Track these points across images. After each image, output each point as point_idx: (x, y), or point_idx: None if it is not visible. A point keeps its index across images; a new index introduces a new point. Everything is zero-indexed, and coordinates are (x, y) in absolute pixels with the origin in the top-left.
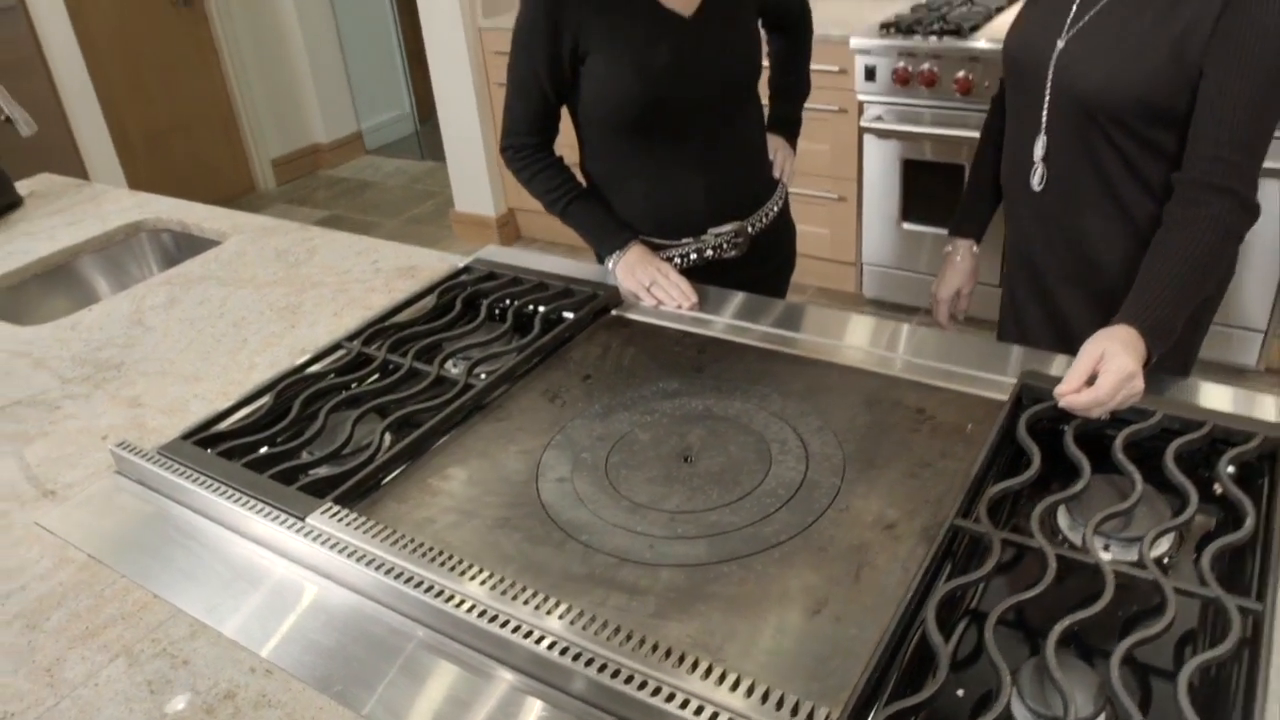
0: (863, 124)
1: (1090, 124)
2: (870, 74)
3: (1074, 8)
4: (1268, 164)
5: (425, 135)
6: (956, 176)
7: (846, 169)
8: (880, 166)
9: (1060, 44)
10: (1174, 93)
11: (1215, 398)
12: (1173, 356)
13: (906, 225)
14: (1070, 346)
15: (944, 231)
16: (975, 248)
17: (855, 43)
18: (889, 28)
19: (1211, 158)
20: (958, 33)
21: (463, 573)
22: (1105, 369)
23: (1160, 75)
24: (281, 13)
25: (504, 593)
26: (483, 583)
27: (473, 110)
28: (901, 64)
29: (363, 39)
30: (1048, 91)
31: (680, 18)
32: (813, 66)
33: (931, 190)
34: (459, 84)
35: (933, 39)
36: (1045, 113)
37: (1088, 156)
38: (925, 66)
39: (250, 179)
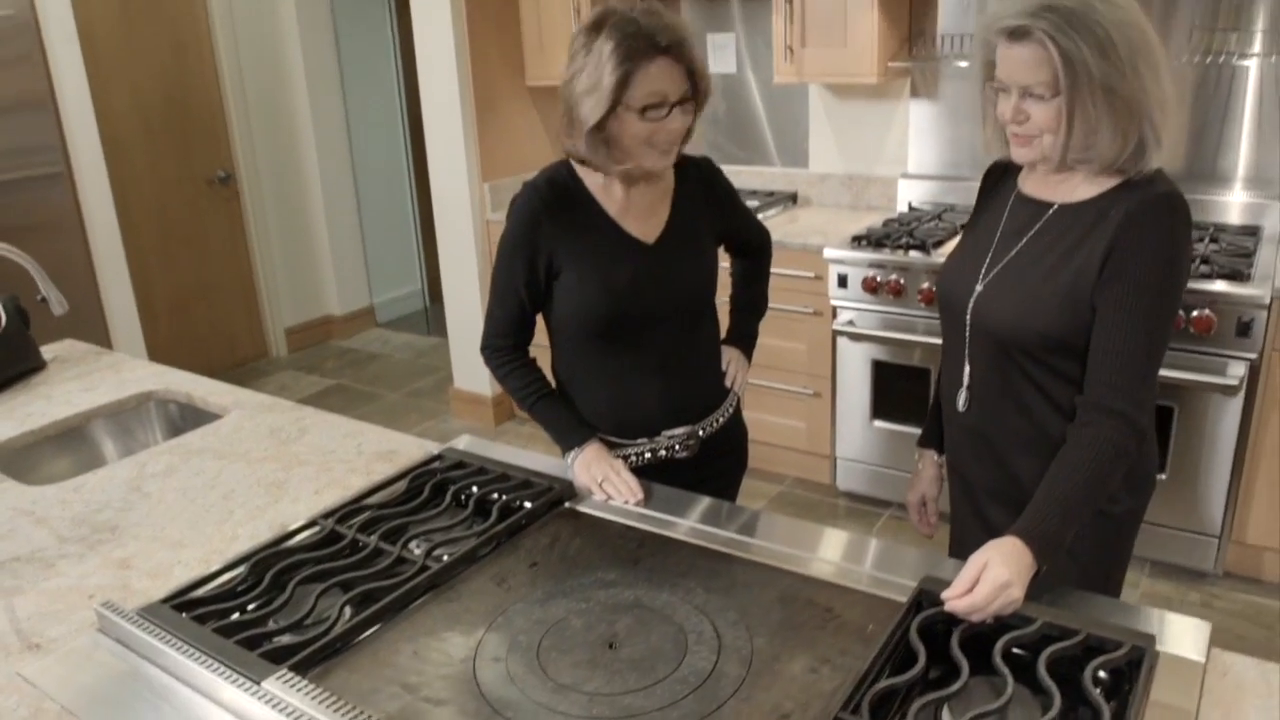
0: (835, 327)
1: (1004, 355)
2: (843, 281)
3: (989, 256)
4: (1214, 379)
5: (434, 312)
6: (921, 379)
7: (821, 367)
8: (852, 366)
9: (979, 287)
10: (1071, 330)
11: (1099, 609)
12: (1095, 568)
13: (877, 423)
14: None
15: (910, 429)
16: (937, 457)
17: (829, 253)
18: (861, 240)
19: (1103, 384)
20: (922, 248)
21: None
22: (983, 578)
23: (1057, 315)
24: (308, 191)
25: None
26: None
27: (475, 294)
28: (871, 274)
29: (381, 219)
30: (968, 327)
31: (643, 243)
32: (792, 272)
33: (899, 390)
34: (464, 269)
35: (900, 253)
36: (967, 344)
37: (1004, 382)
38: (893, 277)
39: (264, 345)
